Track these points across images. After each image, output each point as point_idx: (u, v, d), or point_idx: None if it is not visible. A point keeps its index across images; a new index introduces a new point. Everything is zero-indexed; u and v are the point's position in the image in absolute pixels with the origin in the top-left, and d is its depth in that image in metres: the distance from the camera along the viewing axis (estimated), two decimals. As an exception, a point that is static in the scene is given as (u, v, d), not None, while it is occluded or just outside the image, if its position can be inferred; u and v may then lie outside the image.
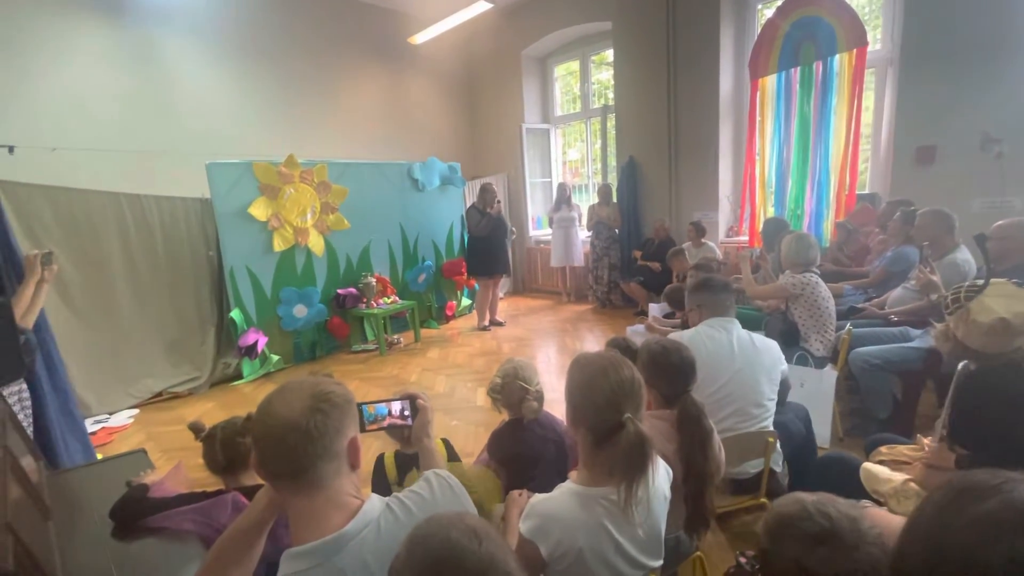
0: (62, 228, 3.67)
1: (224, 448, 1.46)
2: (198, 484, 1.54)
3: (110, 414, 3.76)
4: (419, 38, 6.40)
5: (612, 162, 6.44)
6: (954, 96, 3.87)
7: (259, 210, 4.41)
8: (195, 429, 1.53)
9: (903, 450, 1.68)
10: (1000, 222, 2.52)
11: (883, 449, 1.72)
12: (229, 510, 1.31)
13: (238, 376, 4.40)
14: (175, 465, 1.70)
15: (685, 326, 2.56)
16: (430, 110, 7.32)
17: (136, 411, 3.86)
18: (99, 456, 2.64)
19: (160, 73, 4.86)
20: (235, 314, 4.34)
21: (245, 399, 4.00)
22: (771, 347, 1.98)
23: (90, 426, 3.46)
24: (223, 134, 5.23)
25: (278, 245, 4.59)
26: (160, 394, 4.08)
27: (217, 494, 1.38)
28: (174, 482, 1.52)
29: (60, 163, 4.09)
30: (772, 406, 1.92)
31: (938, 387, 2.69)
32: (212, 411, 3.81)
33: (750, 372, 1.88)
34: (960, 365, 1.58)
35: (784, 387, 2.08)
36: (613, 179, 6.32)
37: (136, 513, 1.35)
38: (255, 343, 4.36)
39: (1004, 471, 0.46)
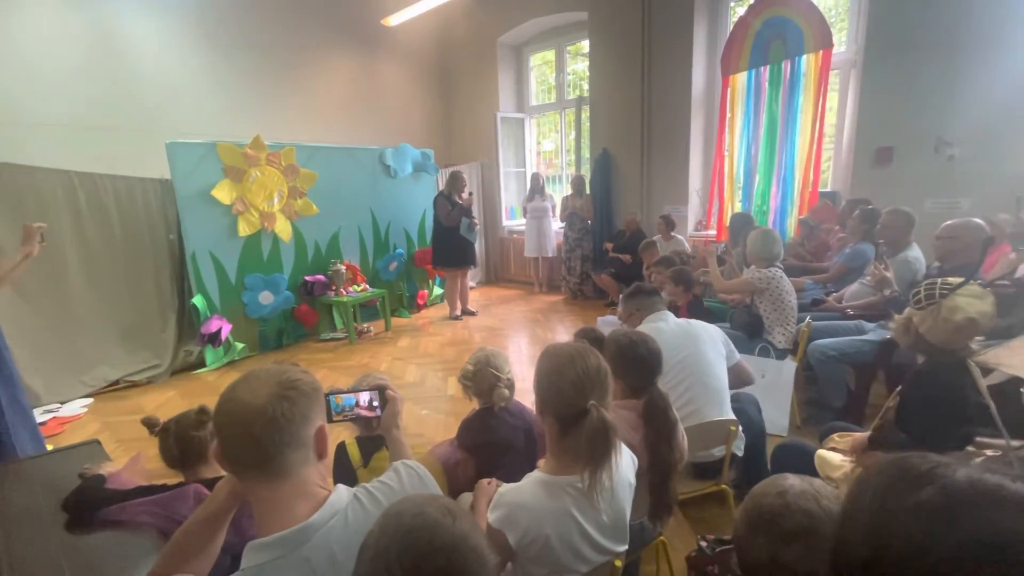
0: (6, 205, 3.46)
1: (178, 442, 1.42)
2: (158, 476, 1.49)
3: (61, 403, 3.59)
4: (393, 20, 6.25)
5: (586, 154, 6.47)
6: (912, 100, 4.04)
7: (223, 193, 4.26)
8: (149, 424, 1.49)
9: (853, 438, 1.77)
10: (949, 222, 2.66)
11: (835, 437, 1.80)
12: (191, 502, 1.27)
13: (201, 364, 4.26)
14: (134, 456, 1.64)
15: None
16: (403, 95, 7.18)
17: (90, 400, 3.70)
18: (49, 447, 2.52)
19: (118, 46, 4.58)
20: (197, 300, 4.19)
21: (208, 387, 3.89)
22: (706, 325, 2.13)
23: (39, 415, 3.30)
24: (185, 113, 5.00)
25: (243, 230, 4.45)
26: (117, 383, 3.92)
27: (178, 487, 1.34)
28: (131, 473, 1.47)
29: (6, 138, 3.84)
30: (725, 376, 2.03)
31: (888, 378, 2.83)
32: (173, 400, 3.69)
33: (696, 347, 2.01)
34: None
35: (744, 377, 2.17)
36: (587, 171, 6.35)
37: (91, 504, 1.30)
38: (219, 330, 4.23)
39: (931, 455, 0.48)
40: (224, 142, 4.25)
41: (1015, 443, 1.22)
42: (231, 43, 5.33)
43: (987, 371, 1.50)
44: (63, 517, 1.32)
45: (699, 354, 1.99)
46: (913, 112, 4.04)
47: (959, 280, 1.54)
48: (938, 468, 0.45)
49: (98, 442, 1.88)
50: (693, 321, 2.16)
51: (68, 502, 1.32)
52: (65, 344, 3.75)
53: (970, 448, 1.39)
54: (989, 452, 1.36)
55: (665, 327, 2.08)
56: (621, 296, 2.35)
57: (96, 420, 3.42)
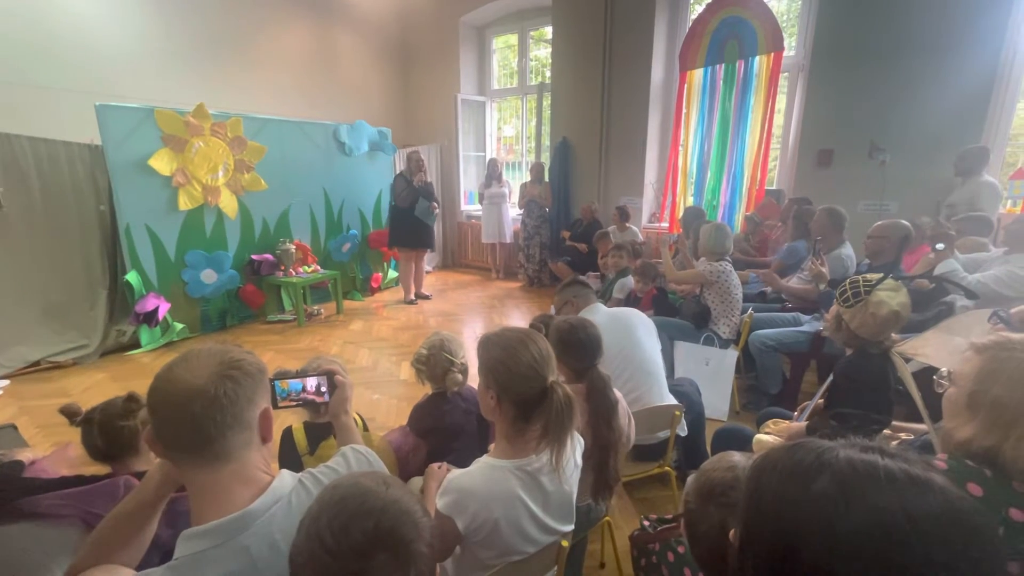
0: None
1: (104, 433, 1.31)
2: (86, 468, 1.39)
3: (-28, 385, 3.30)
4: (350, -10, 5.99)
5: (546, 141, 6.48)
6: (852, 106, 4.28)
7: (161, 163, 3.97)
8: (68, 413, 1.36)
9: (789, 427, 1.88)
10: (879, 223, 2.85)
11: (770, 424, 1.92)
12: (120, 496, 1.19)
13: (135, 345, 4.01)
14: (63, 445, 1.52)
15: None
16: (360, 70, 6.91)
17: (6, 382, 3.41)
18: (-43, 433, 2.31)
19: (36, -7, 4.16)
20: (131, 277, 3.92)
21: (143, 369, 3.67)
22: (633, 311, 2.22)
23: (-54, 399, 3.03)
24: (119, 73, 4.61)
25: (184, 204, 4.18)
26: (38, 363, 3.63)
27: (107, 479, 1.25)
28: (55, 463, 1.36)
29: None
30: (659, 358, 2.12)
31: (819, 367, 3.03)
32: (103, 383, 3.45)
33: (631, 335, 2.08)
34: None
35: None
36: (546, 158, 6.37)
37: (6, 494, 1.20)
38: (155, 310, 3.98)
39: (816, 441, 0.52)
40: (163, 108, 3.95)
41: (923, 426, 1.34)
42: (175, 1, 4.94)
43: (906, 360, 1.63)
44: (-27, 508, 1.21)
45: (635, 341, 2.06)
46: (852, 117, 4.29)
47: (878, 276, 1.66)
48: (824, 455, 0.49)
49: (14, 427, 1.74)
50: (624, 309, 2.24)
51: (-17, 489, 1.21)
52: (-24, 321, 3.44)
53: (887, 432, 1.51)
54: (903, 436, 1.48)
55: (598, 319, 2.12)
56: (557, 292, 2.39)
57: (13, 403, 3.15)
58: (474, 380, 1.91)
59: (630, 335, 2.07)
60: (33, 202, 3.68)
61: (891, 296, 1.60)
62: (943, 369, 1.02)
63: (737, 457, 0.93)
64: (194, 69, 5.16)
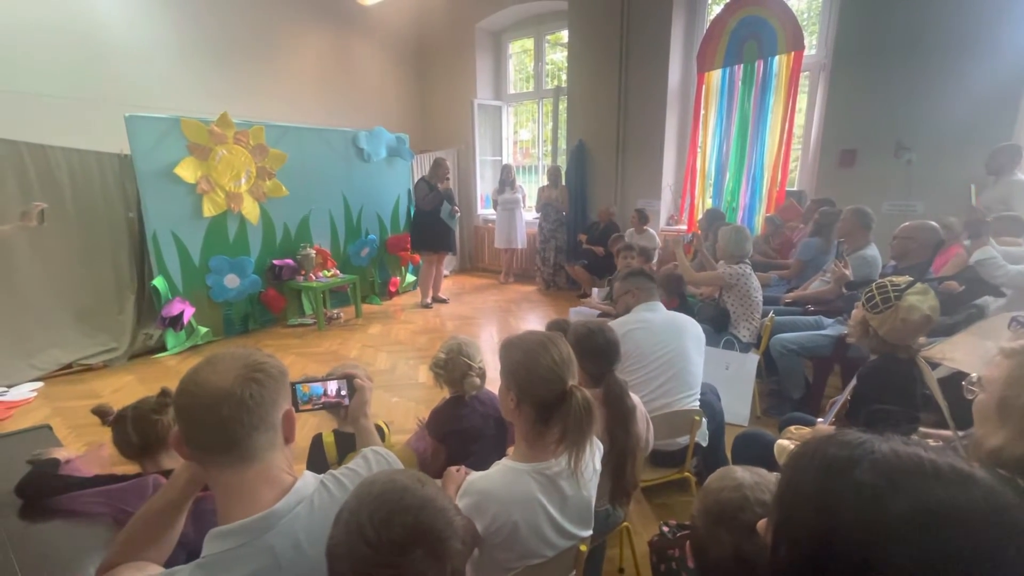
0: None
1: (137, 427, 1.35)
2: (118, 469, 1.43)
3: (8, 387, 3.42)
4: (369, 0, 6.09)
5: (563, 144, 6.47)
6: (875, 105, 4.19)
7: (187, 171, 4.09)
8: (100, 413, 1.40)
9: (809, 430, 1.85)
10: (905, 223, 2.78)
11: (792, 429, 1.88)
12: (149, 494, 1.23)
13: (161, 348, 4.12)
14: (97, 445, 1.57)
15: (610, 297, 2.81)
16: (378, 77, 7.01)
17: (40, 384, 3.53)
18: (-5, 433, 2.40)
19: (78, 9, 4.31)
20: (158, 282, 4.03)
21: (169, 372, 3.76)
22: (690, 320, 2.19)
23: (-16, 400, 3.15)
24: (147, 85, 4.76)
25: (208, 210, 4.29)
26: (70, 366, 3.75)
27: (136, 477, 1.29)
28: (88, 462, 1.41)
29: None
30: (701, 372, 2.11)
31: (843, 371, 2.96)
32: (131, 384, 3.56)
33: (680, 343, 2.06)
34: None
35: None
36: (563, 161, 6.36)
37: (43, 492, 1.25)
38: (180, 314, 4.09)
39: (854, 432, 0.53)
40: (189, 118, 4.07)
41: (959, 432, 1.30)
42: (199, 14, 5.09)
43: (934, 366, 1.59)
44: (12, 504, 1.26)
45: (682, 350, 2.04)
46: (876, 116, 4.19)
47: (906, 280, 1.62)
48: (866, 444, 0.50)
49: (49, 427, 1.80)
50: (683, 317, 2.21)
51: (21, 488, 1.26)
52: (13, 325, 3.56)
53: (914, 437, 1.47)
54: (931, 442, 1.44)
55: (655, 317, 2.12)
56: (620, 275, 2.31)
57: (47, 405, 3.27)
58: (491, 384, 1.92)
59: (678, 342, 2.05)
60: (66, 210, 3.81)
61: (921, 300, 1.56)
62: (973, 374, 0.99)
63: (740, 473, 0.88)
64: (218, 79, 5.29)
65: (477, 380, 1.79)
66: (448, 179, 5.33)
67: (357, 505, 0.73)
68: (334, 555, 0.72)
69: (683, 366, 2.02)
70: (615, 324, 1.98)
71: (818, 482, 0.50)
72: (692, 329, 2.14)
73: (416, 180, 5.55)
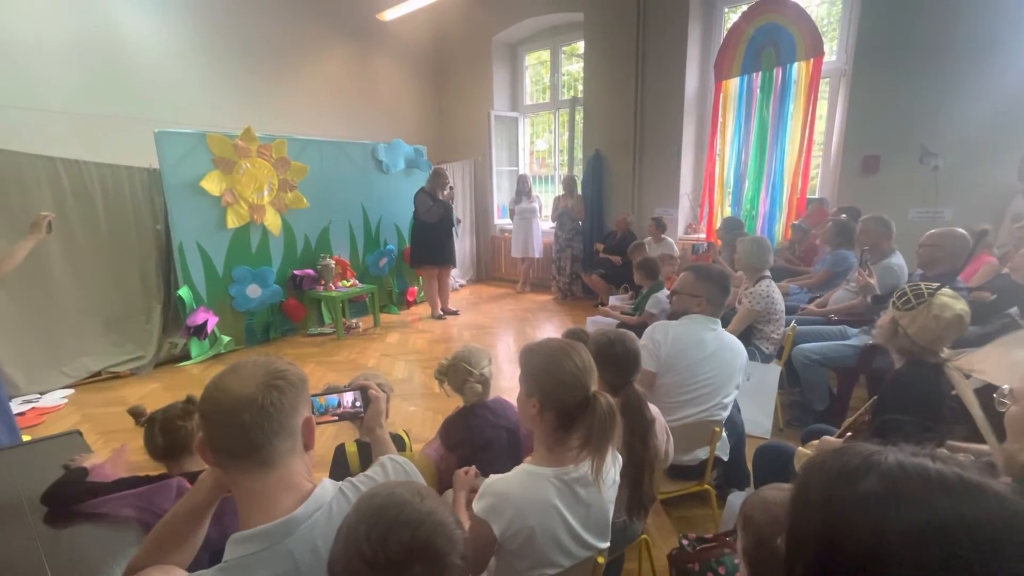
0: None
1: (164, 432, 1.40)
2: (142, 469, 1.48)
3: (41, 394, 3.53)
4: (388, 15, 6.21)
5: (579, 154, 6.49)
6: (899, 110, 4.11)
7: (212, 184, 4.21)
8: (135, 414, 1.46)
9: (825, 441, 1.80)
10: (932, 231, 2.71)
11: (815, 443, 1.83)
12: (173, 496, 1.26)
13: (185, 357, 4.22)
14: (119, 448, 1.62)
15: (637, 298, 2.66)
16: (396, 90, 7.14)
17: (71, 391, 3.64)
18: (26, 438, 2.48)
19: (109, 31, 4.51)
20: (183, 292, 4.14)
21: (193, 380, 3.85)
22: (741, 350, 2.09)
23: (18, 406, 3.26)
24: (174, 102, 4.93)
25: (232, 222, 4.40)
26: (99, 374, 3.86)
27: (161, 479, 1.32)
28: (114, 466, 1.45)
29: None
30: (733, 394, 2.04)
31: (869, 382, 2.88)
32: (156, 392, 3.64)
33: (724, 371, 1.99)
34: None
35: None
36: (579, 171, 6.37)
37: (71, 498, 1.29)
38: (204, 323, 4.19)
39: (866, 444, 0.53)
40: (214, 133, 4.20)
41: (983, 447, 1.25)
42: (223, 32, 5.27)
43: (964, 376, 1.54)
44: (42, 510, 1.30)
45: (728, 373, 1.99)
46: (900, 122, 4.11)
47: (938, 284, 1.58)
48: (873, 456, 0.50)
49: (79, 433, 1.85)
50: (739, 343, 2.10)
51: (48, 495, 1.30)
52: (46, 334, 3.69)
53: (942, 450, 1.42)
54: (961, 457, 1.39)
55: (708, 337, 2.02)
56: (693, 272, 2.12)
57: (77, 411, 3.37)
58: (505, 392, 1.92)
59: (727, 363, 2.00)
60: (98, 223, 3.95)
61: (954, 302, 1.52)
62: (1004, 387, 0.96)
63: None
64: (242, 94, 5.45)
65: (478, 387, 1.78)
66: (451, 187, 5.28)
67: (356, 520, 0.73)
68: (333, 572, 0.72)
69: (721, 383, 1.97)
70: (682, 321, 2.00)
71: (825, 492, 0.51)
72: (741, 357, 2.05)
73: (416, 191, 5.30)
